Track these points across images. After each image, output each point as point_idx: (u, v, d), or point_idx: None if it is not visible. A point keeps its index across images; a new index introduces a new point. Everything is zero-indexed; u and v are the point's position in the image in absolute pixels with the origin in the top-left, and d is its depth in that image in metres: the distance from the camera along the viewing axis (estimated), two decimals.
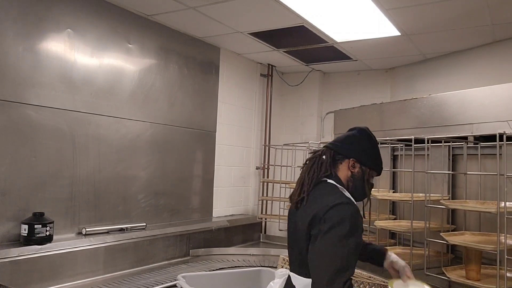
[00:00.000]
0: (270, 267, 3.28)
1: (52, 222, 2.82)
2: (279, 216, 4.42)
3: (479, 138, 3.08)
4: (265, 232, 4.89)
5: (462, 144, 3.22)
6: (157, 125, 3.77)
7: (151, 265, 3.39)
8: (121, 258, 3.20)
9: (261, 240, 4.75)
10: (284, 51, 4.49)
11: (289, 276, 1.79)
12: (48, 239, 2.78)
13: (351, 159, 1.83)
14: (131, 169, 3.53)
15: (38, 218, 2.76)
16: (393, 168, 3.79)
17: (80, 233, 3.09)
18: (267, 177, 5.05)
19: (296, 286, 1.72)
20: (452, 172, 3.32)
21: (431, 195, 3.00)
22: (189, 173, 4.13)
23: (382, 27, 3.57)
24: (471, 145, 3.20)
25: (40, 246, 2.71)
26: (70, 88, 3.07)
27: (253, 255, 3.88)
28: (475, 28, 3.52)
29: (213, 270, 3.30)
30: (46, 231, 2.75)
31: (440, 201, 2.87)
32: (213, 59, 4.40)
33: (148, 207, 3.67)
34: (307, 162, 1.87)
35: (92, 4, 3.23)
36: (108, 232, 3.22)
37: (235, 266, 3.51)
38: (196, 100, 4.18)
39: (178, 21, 3.72)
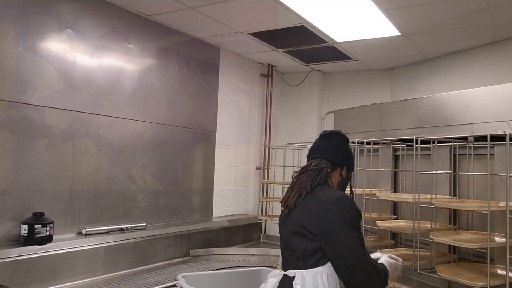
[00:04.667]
0: (270, 267, 3.28)
1: (52, 222, 2.82)
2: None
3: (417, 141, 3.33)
4: (265, 232, 4.89)
5: (400, 145, 3.61)
6: (157, 125, 3.77)
7: (151, 265, 3.39)
8: (121, 258, 3.20)
9: (261, 240, 4.75)
10: (284, 51, 4.49)
11: (286, 276, 1.83)
12: (48, 239, 2.78)
13: (344, 167, 2.00)
14: (131, 169, 3.53)
15: (38, 218, 2.76)
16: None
17: (80, 233, 3.09)
18: (267, 177, 5.05)
19: (302, 279, 1.76)
20: (376, 169, 3.66)
21: (373, 189, 3.45)
22: (189, 173, 4.13)
23: (382, 27, 3.57)
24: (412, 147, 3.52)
25: (40, 246, 2.71)
26: (70, 88, 3.07)
27: (253, 255, 3.88)
28: (475, 28, 3.52)
29: (213, 270, 3.30)
30: (46, 231, 2.75)
31: (376, 194, 3.30)
32: (213, 59, 4.40)
33: (148, 207, 3.67)
34: (307, 172, 1.94)
35: (92, 4, 3.23)
36: (108, 232, 3.22)
37: (235, 266, 3.51)
38: (196, 100, 4.18)
39: (178, 21, 3.72)
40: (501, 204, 2.66)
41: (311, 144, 2.09)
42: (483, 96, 3.18)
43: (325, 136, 2.05)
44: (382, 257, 1.97)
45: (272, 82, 5.14)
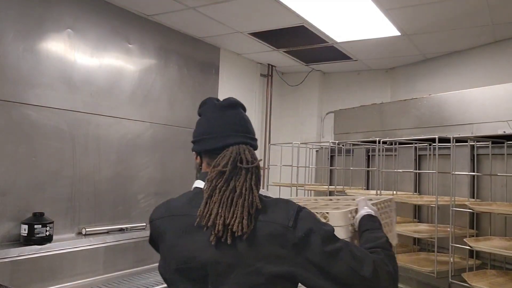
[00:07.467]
0: None
1: (52, 222, 2.82)
2: None
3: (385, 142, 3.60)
4: None
5: (370, 146, 3.89)
6: (157, 125, 3.77)
7: (151, 265, 3.38)
8: (121, 258, 3.20)
9: None
10: (284, 51, 4.49)
11: None
12: (48, 239, 2.78)
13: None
14: (131, 169, 3.53)
15: (38, 218, 2.76)
16: (331, 166, 4.34)
17: (80, 233, 3.09)
18: (267, 177, 5.05)
19: None
20: (346, 168, 3.86)
21: (345, 187, 3.73)
22: (189, 173, 4.12)
23: (382, 27, 3.57)
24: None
25: (40, 246, 2.71)
26: (70, 88, 3.07)
27: None
28: (475, 28, 3.52)
29: None
30: (46, 231, 2.75)
31: (346, 191, 3.55)
32: (213, 59, 4.40)
33: (148, 207, 3.67)
34: (239, 172, 1.30)
35: (92, 4, 3.22)
36: (108, 232, 3.22)
37: None
38: (196, 100, 4.18)
39: (178, 21, 3.72)
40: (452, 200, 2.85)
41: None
42: (483, 96, 3.18)
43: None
44: (361, 210, 1.45)
45: (272, 82, 5.14)
